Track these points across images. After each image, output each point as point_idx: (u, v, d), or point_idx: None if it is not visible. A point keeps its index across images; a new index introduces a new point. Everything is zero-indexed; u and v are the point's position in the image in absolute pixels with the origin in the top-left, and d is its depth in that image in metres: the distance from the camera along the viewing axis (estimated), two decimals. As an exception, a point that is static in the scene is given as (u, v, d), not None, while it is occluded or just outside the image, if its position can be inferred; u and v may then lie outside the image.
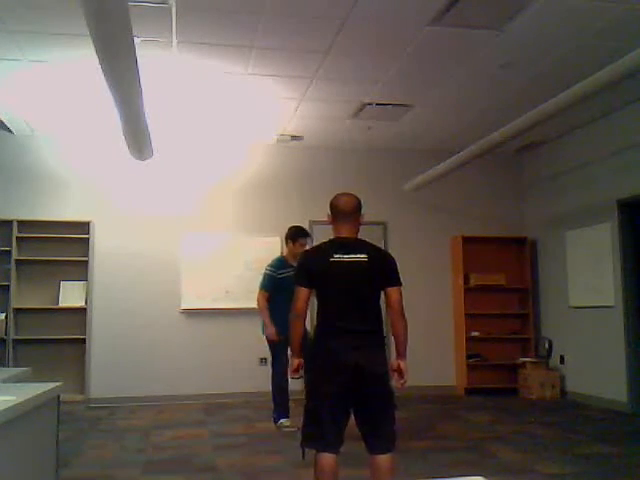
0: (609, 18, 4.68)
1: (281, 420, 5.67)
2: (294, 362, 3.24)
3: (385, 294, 3.14)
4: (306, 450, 3.05)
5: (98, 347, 7.39)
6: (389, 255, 3.28)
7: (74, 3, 3.75)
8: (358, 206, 3.26)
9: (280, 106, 6.69)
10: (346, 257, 3.07)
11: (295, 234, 5.71)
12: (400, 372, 3.22)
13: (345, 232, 3.19)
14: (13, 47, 5.11)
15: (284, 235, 5.93)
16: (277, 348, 5.66)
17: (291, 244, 5.73)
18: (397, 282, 3.15)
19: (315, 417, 3.01)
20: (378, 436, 3.08)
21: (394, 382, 3.23)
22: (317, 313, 3.14)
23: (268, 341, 5.69)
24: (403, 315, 3.14)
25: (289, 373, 3.43)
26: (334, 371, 3.00)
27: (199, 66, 5.58)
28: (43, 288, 7.35)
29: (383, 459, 3.04)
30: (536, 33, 4.96)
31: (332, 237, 3.23)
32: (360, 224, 3.27)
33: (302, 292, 3.10)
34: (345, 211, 3.21)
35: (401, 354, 3.23)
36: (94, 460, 4.71)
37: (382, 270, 3.13)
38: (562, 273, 7.76)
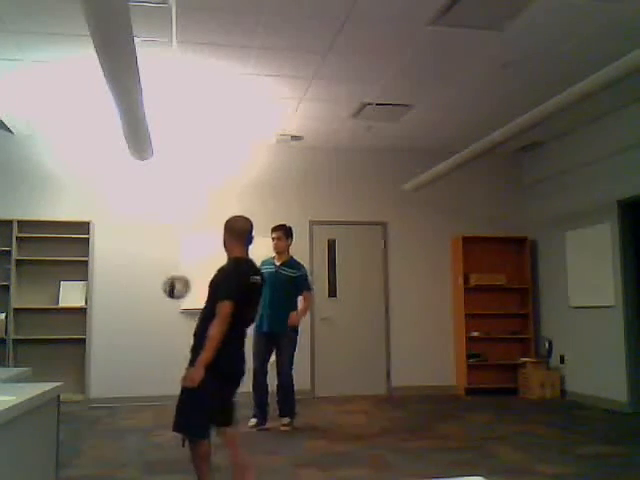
0: (609, 18, 4.68)
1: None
2: None
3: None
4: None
5: (98, 347, 7.39)
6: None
7: (74, 3, 3.75)
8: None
9: (280, 106, 6.69)
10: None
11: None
12: None
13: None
14: (13, 47, 5.11)
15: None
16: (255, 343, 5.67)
17: None
18: None
19: None
20: None
21: None
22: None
23: None
24: None
25: None
26: None
27: (199, 66, 5.58)
28: (43, 288, 7.35)
29: None
30: (536, 33, 4.96)
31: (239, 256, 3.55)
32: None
33: None
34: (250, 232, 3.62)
35: None
36: (94, 460, 4.71)
37: None
38: (562, 273, 7.76)
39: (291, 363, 5.78)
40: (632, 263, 6.82)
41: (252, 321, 3.69)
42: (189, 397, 3.29)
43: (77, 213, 7.49)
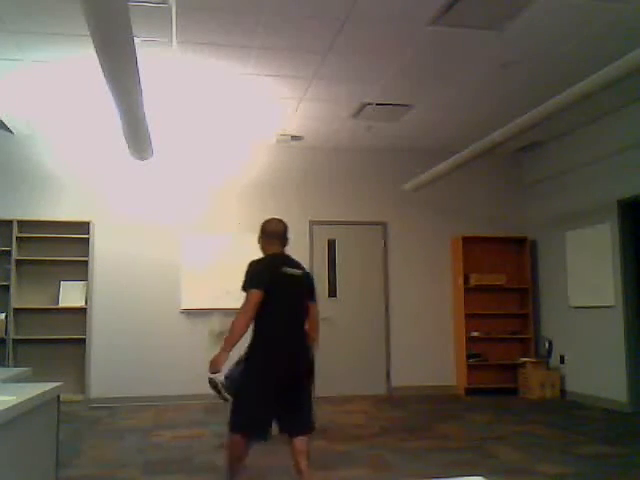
0: (609, 18, 4.68)
1: None
2: None
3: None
4: None
5: (98, 347, 7.39)
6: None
7: (74, 3, 3.75)
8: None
9: (280, 106, 6.69)
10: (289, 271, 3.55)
11: None
12: None
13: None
14: (13, 47, 5.11)
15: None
16: None
17: None
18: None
19: None
20: None
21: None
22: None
23: None
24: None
25: None
26: None
27: (199, 66, 5.58)
28: (43, 288, 7.35)
29: None
30: (536, 33, 4.96)
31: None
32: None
33: None
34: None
35: None
36: (94, 460, 4.71)
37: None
38: (562, 273, 7.76)
39: None
40: (632, 263, 6.82)
41: (302, 315, 3.70)
42: (236, 395, 3.49)
43: (77, 213, 7.49)
